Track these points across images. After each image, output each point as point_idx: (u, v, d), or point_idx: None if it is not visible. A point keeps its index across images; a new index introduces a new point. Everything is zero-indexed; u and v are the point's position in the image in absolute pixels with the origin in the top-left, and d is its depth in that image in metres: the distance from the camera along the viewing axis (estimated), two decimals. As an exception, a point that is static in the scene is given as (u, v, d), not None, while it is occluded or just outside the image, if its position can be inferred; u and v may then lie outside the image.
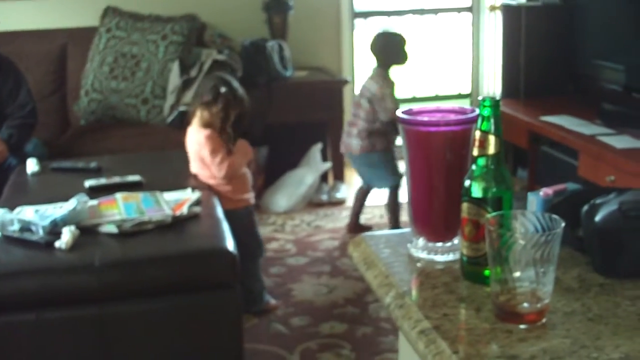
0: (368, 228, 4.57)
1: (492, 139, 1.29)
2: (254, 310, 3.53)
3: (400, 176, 4.38)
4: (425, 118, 1.43)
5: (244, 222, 3.44)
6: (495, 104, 1.28)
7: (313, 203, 5.04)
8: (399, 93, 4.34)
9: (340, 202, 5.06)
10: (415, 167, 1.43)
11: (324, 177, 5.15)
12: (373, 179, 4.44)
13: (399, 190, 4.41)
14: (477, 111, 1.33)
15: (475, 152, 1.30)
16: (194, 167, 3.53)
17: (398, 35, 4.43)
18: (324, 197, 5.08)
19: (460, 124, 1.39)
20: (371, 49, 4.41)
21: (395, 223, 4.46)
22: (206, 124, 3.46)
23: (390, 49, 4.34)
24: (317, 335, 3.39)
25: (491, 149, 1.29)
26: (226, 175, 3.43)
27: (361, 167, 4.43)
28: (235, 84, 3.60)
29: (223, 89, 3.46)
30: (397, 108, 4.24)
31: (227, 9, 5.32)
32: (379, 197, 4.70)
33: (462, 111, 1.44)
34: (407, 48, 4.37)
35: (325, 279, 3.95)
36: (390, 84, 4.27)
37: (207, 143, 3.43)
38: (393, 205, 4.45)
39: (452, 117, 1.42)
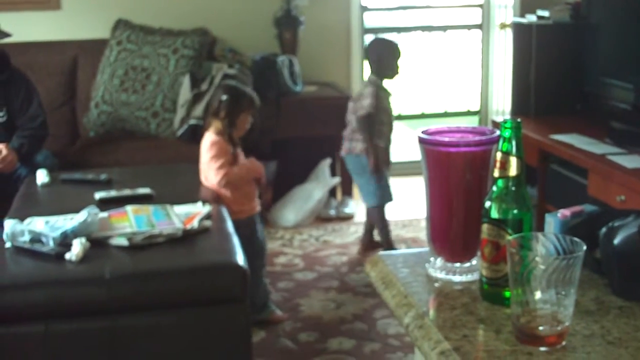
0: (381, 245, 4.54)
1: (513, 160, 1.28)
2: (257, 319, 3.51)
3: (389, 196, 4.37)
4: (445, 138, 1.42)
5: (244, 232, 3.43)
6: (516, 125, 1.28)
7: (321, 218, 5.04)
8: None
9: (348, 217, 5.06)
10: (434, 187, 1.43)
11: (332, 192, 5.15)
12: (360, 189, 4.45)
13: (384, 209, 4.40)
14: (497, 132, 1.33)
15: (496, 174, 1.30)
16: (203, 175, 3.59)
17: (394, 44, 4.39)
18: (332, 212, 5.08)
19: (481, 144, 1.39)
20: (366, 55, 4.45)
21: (388, 243, 4.42)
22: (218, 133, 3.57)
23: (383, 57, 4.32)
24: (325, 351, 3.38)
25: (512, 171, 1.29)
26: (220, 182, 3.49)
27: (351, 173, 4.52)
28: (241, 87, 3.74)
29: (224, 97, 3.56)
30: (371, 110, 4.22)
31: (238, 24, 5.34)
32: (396, 211, 4.67)
33: (481, 132, 1.44)
34: (399, 61, 4.33)
35: (333, 295, 3.94)
36: (384, 93, 4.28)
37: (211, 148, 3.53)
38: (382, 224, 4.42)
39: (472, 137, 1.42)
